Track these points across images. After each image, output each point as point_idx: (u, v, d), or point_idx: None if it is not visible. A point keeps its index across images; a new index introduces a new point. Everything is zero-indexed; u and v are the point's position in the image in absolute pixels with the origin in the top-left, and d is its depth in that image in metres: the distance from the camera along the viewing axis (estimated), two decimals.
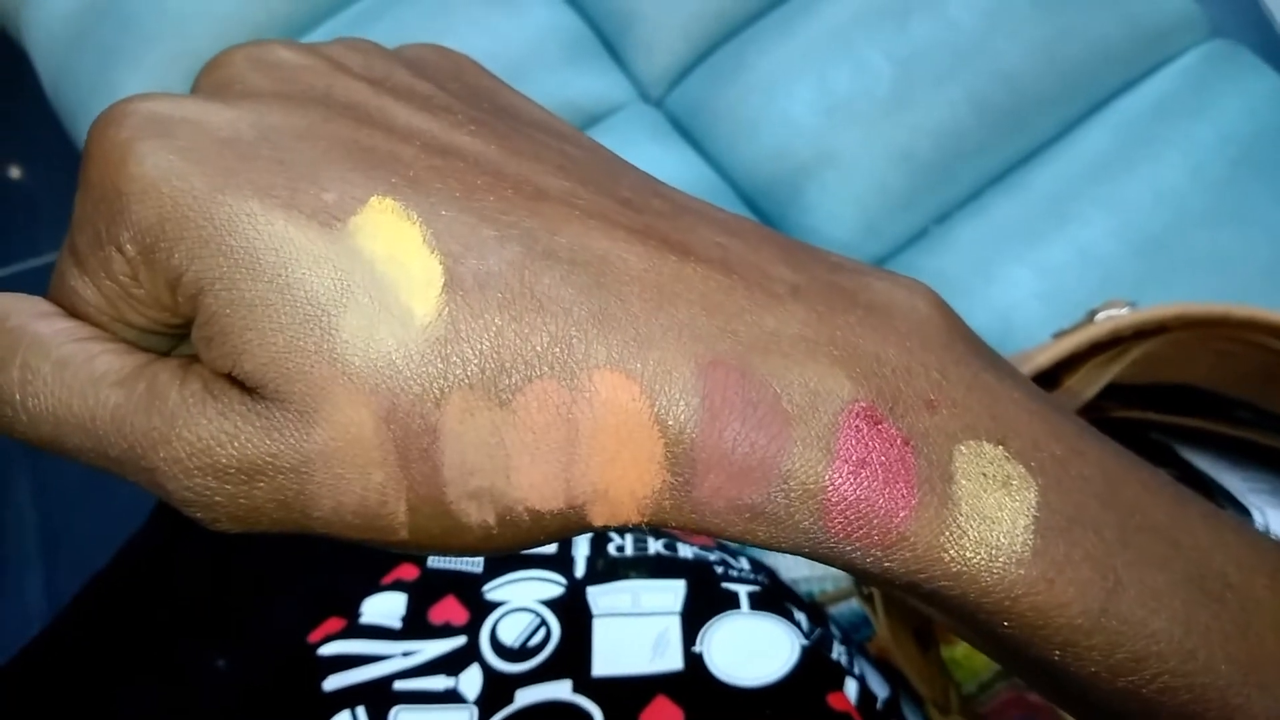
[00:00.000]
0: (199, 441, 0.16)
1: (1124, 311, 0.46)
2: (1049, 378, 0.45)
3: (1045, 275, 0.83)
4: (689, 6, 0.96)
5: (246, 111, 0.17)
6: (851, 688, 0.40)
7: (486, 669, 0.37)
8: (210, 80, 0.19)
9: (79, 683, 0.39)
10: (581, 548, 0.43)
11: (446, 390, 0.16)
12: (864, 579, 0.18)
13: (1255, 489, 0.47)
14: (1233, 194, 0.84)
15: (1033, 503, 0.17)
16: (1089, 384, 0.44)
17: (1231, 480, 0.47)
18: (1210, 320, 0.44)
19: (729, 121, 0.92)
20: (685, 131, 0.96)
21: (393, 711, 0.35)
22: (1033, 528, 0.17)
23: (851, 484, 0.16)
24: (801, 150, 0.89)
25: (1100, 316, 0.46)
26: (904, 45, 0.89)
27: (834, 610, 0.56)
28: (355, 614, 0.39)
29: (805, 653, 0.40)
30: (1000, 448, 0.17)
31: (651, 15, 0.96)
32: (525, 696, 0.36)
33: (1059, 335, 0.47)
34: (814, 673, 0.39)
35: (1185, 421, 0.48)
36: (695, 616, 0.40)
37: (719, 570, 0.43)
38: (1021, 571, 0.17)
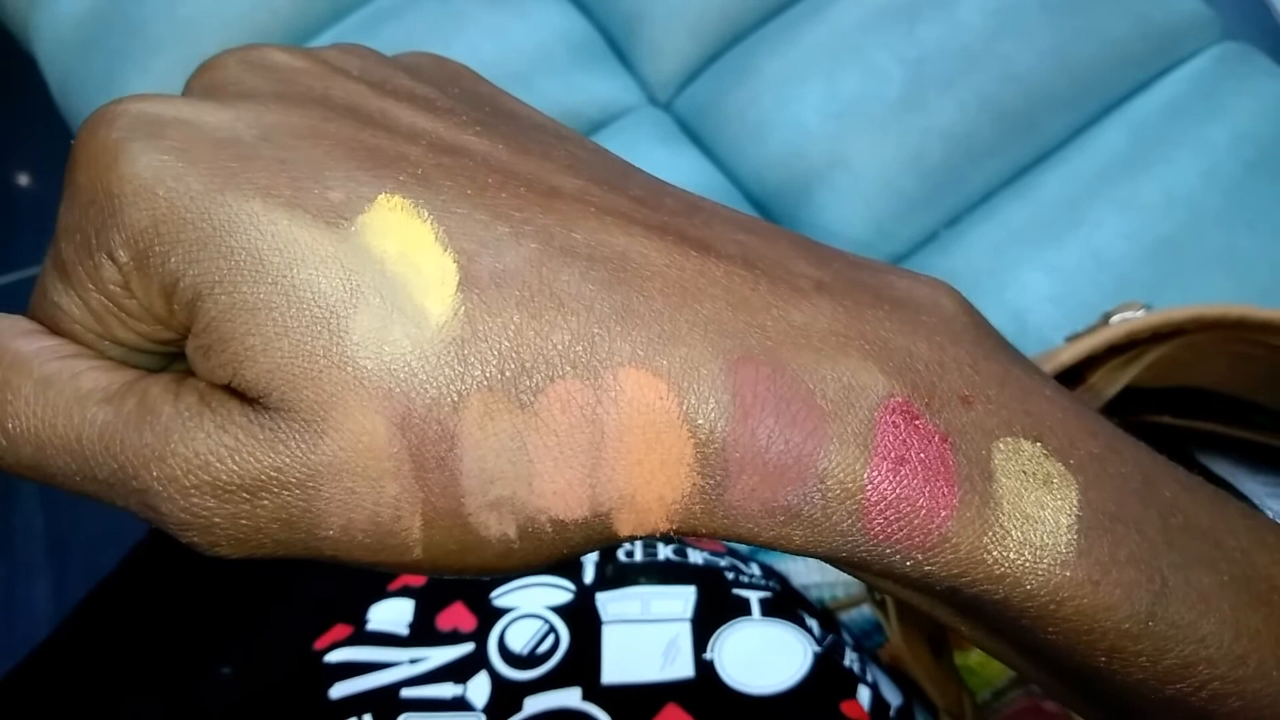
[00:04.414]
0: (196, 457, 0.15)
1: (1139, 314, 0.46)
2: (1072, 376, 0.44)
3: (1058, 278, 0.82)
4: (697, 9, 0.96)
5: (244, 112, 0.16)
6: (864, 695, 0.39)
7: (495, 676, 0.37)
8: (202, 82, 0.18)
9: (83, 690, 0.39)
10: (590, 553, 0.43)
11: (465, 393, 0.15)
12: (902, 585, 0.17)
13: (1273, 493, 0.46)
14: (1246, 196, 0.83)
15: (1074, 501, 0.16)
16: (1106, 387, 0.44)
17: (1249, 485, 0.47)
18: (1227, 323, 0.43)
19: (737, 125, 0.92)
20: (693, 135, 0.96)
21: (400, 719, 0.35)
22: (1076, 527, 0.16)
23: (891, 482, 0.16)
24: (811, 153, 0.88)
25: (1115, 319, 0.45)
26: (913, 47, 0.89)
27: (845, 616, 0.56)
28: (362, 620, 0.39)
29: (818, 660, 0.39)
30: (1038, 444, 0.17)
31: (659, 18, 0.96)
32: (534, 704, 0.36)
33: (1072, 338, 0.46)
34: (826, 680, 0.39)
35: (1202, 425, 0.47)
36: (706, 623, 0.39)
37: (730, 576, 0.43)
38: (1067, 573, 0.16)
